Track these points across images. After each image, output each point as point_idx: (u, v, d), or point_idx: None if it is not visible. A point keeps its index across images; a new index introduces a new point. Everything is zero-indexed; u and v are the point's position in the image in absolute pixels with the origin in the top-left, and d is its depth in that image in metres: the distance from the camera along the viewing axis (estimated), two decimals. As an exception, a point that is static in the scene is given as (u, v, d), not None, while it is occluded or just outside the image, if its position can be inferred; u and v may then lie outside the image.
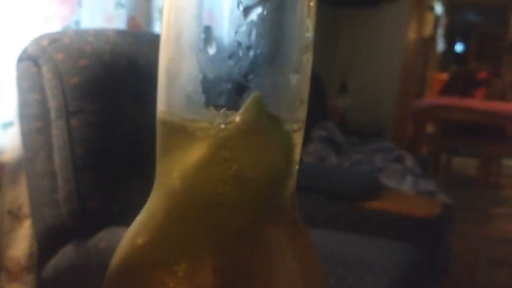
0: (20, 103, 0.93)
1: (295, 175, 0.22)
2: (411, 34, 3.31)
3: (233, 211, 0.21)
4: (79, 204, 0.91)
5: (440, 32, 5.45)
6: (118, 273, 0.22)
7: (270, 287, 0.21)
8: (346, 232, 1.41)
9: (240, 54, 0.20)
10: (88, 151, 0.93)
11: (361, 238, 1.33)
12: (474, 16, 6.98)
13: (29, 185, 0.95)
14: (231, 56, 0.20)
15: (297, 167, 0.22)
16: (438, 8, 4.99)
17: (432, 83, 5.29)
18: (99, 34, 1.00)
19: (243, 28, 0.20)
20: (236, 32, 0.20)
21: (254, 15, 0.20)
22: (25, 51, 0.91)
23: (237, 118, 0.20)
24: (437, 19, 4.99)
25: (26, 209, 1.03)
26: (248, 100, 0.20)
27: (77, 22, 1.11)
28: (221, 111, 0.21)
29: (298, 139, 0.22)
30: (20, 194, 1.02)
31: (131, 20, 1.30)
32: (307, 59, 0.22)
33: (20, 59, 0.92)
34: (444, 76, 5.61)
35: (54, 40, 0.92)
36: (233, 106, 0.20)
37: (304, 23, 0.21)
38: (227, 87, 0.20)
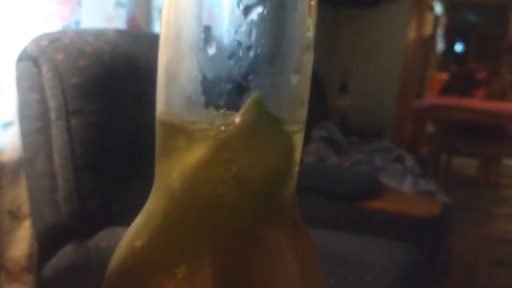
0: (20, 103, 0.93)
1: (295, 176, 0.22)
2: (411, 34, 3.31)
3: (233, 212, 0.21)
4: (79, 204, 0.91)
5: (440, 32, 5.45)
6: (117, 275, 0.22)
7: None
8: (346, 232, 1.41)
9: (240, 54, 0.20)
10: (88, 151, 0.93)
11: (361, 238, 1.33)
12: (474, 16, 6.98)
13: (29, 185, 0.95)
14: (231, 56, 0.20)
15: (297, 168, 0.22)
16: (438, 8, 4.99)
17: (432, 83, 5.29)
18: (99, 34, 1.00)
19: (243, 28, 0.20)
20: (236, 32, 0.20)
21: (255, 14, 0.20)
22: (24, 51, 0.91)
23: (237, 119, 0.20)
24: (437, 19, 4.98)
25: (26, 209, 1.03)
26: (248, 101, 0.20)
27: (77, 22, 1.10)
28: (221, 112, 0.20)
29: (298, 140, 0.22)
30: (20, 194, 1.02)
31: (131, 20, 1.30)
32: (308, 59, 0.21)
33: (20, 59, 0.92)
34: (444, 76, 5.60)
35: (54, 40, 0.92)
36: (233, 107, 0.20)
37: (305, 22, 0.21)
38: (227, 87, 0.20)
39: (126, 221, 0.25)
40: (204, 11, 0.20)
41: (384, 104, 3.31)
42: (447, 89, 5.09)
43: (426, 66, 4.75)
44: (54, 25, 1.06)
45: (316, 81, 2.26)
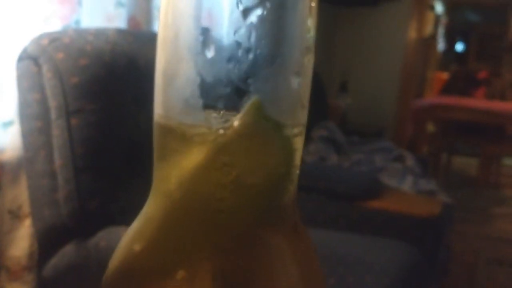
0: (20, 103, 0.93)
1: (295, 179, 0.22)
2: (412, 34, 3.31)
3: (232, 217, 0.20)
4: (79, 204, 0.91)
5: (441, 31, 5.45)
6: (115, 279, 0.22)
7: None
8: (346, 232, 1.41)
9: (240, 57, 0.20)
10: (88, 150, 0.93)
11: (361, 238, 1.33)
12: (475, 16, 6.98)
13: (29, 185, 0.95)
14: (230, 59, 0.20)
15: (298, 171, 0.22)
16: (439, 8, 4.98)
17: (432, 82, 5.28)
18: (99, 33, 1.00)
19: (243, 30, 0.19)
20: (235, 34, 0.19)
21: (254, 16, 0.19)
22: (25, 50, 0.91)
23: (236, 123, 0.20)
24: (437, 18, 4.98)
25: (26, 208, 1.03)
26: (247, 104, 0.20)
27: (77, 22, 1.10)
28: (220, 116, 0.20)
29: (298, 143, 0.21)
30: (20, 194, 1.02)
31: (131, 20, 1.30)
32: (309, 61, 0.21)
33: (20, 59, 0.92)
34: (444, 75, 5.60)
35: (54, 39, 0.92)
36: (232, 110, 0.20)
37: (305, 24, 0.21)
38: (226, 91, 0.20)
39: (126, 221, 0.25)
40: (202, 13, 0.20)
41: (384, 104, 3.31)
42: (447, 89, 5.09)
43: (427, 65, 4.75)
44: (54, 25, 1.06)
45: (316, 81, 2.26)
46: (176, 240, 0.21)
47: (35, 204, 0.94)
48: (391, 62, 3.29)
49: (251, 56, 0.20)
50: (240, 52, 0.20)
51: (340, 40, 3.34)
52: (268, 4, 0.19)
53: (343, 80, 3.18)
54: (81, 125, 0.92)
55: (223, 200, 0.20)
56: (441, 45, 5.65)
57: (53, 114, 0.90)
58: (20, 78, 0.92)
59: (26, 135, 0.93)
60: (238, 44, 0.20)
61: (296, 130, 0.21)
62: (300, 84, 0.21)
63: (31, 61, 0.90)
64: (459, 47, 7.15)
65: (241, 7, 0.19)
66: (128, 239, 0.22)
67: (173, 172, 0.21)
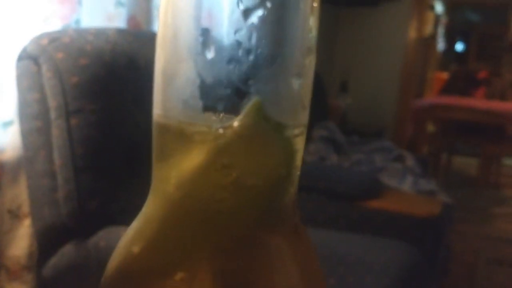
0: (20, 102, 0.93)
1: (296, 180, 0.22)
2: (412, 34, 3.30)
3: (232, 218, 0.20)
4: (79, 204, 0.91)
5: (441, 31, 5.45)
6: (114, 281, 0.22)
7: None
8: (346, 232, 1.41)
9: (240, 58, 0.19)
10: (88, 150, 0.93)
11: (361, 238, 1.33)
12: (475, 16, 6.98)
13: (29, 185, 0.95)
14: (231, 60, 0.19)
15: (298, 173, 0.22)
16: (439, 7, 4.98)
17: (432, 82, 5.28)
18: (99, 33, 1.00)
19: (243, 31, 0.19)
20: (235, 35, 0.19)
21: (255, 17, 0.19)
22: (24, 50, 0.91)
23: (237, 124, 0.20)
24: (437, 18, 4.98)
25: (26, 208, 1.03)
26: (248, 106, 0.20)
27: (77, 21, 1.10)
28: (220, 117, 0.20)
29: (299, 144, 0.21)
30: (20, 193, 1.02)
31: (131, 19, 1.29)
32: (310, 62, 0.21)
33: (20, 58, 0.92)
34: (444, 75, 5.60)
35: (54, 39, 0.92)
36: (233, 112, 0.20)
37: (307, 24, 0.20)
38: (226, 92, 0.19)
39: (126, 221, 0.25)
40: (202, 13, 0.19)
41: (384, 104, 3.31)
42: (447, 89, 5.09)
43: (427, 65, 4.75)
44: (54, 24, 1.06)
45: (317, 81, 2.26)
46: (176, 240, 0.21)
47: (34, 204, 0.94)
48: (391, 62, 3.29)
49: (251, 57, 0.19)
50: (240, 53, 0.19)
51: (340, 40, 3.34)
52: (269, 4, 0.19)
53: (343, 80, 3.18)
54: (81, 125, 0.92)
55: (223, 201, 0.20)
56: (441, 45, 5.66)
57: (53, 114, 0.90)
58: (19, 78, 0.92)
59: (25, 135, 0.93)
60: (238, 44, 0.19)
61: (297, 131, 0.21)
62: (301, 85, 0.21)
63: (31, 61, 0.90)
64: (459, 47, 7.16)
65: (241, 7, 0.19)
66: (127, 240, 0.22)
67: (173, 172, 0.21)
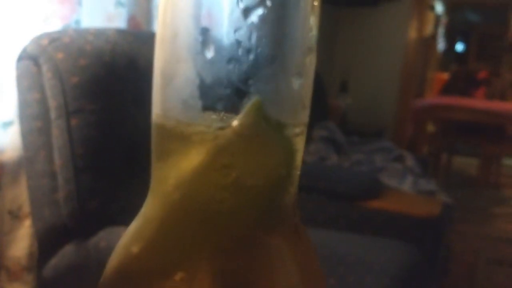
0: (20, 103, 0.93)
1: (296, 180, 0.22)
2: (412, 34, 3.31)
3: (232, 218, 0.20)
4: (79, 204, 0.91)
5: (441, 31, 5.45)
6: (113, 282, 0.22)
7: None
8: (346, 232, 1.41)
9: (240, 58, 0.19)
10: (88, 151, 0.93)
11: (361, 238, 1.33)
12: (475, 16, 6.98)
13: (29, 185, 0.95)
14: (230, 59, 0.19)
15: (298, 172, 0.21)
16: (439, 8, 4.98)
17: (432, 82, 5.28)
18: (99, 33, 1.00)
19: (243, 30, 0.19)
20: (235, 34, 0.19)
21: (255, 16, 0.19)
22: (25, 50, 0.91)
23: (236, 123, 0.19)
24: (437, 18, 4.98)
25: (26, 208, 1.03)
26: (248, 105, 0.19)
27: (77, 22, 1.10)
28: (220, 117, 0.20)
29: (299, 143, 0.21)
30: (20, 194, 1.02)
31: (131, 19, 1.29)
32: (310, 61, 0.21)
33: (20, 59, 0.91)
34: (445, 75, 5.60)
35: (54, 39, 0.92)
36: (232, 112, 0.19)
37: (307, 23, 0.20)
38: (226, 92, 0.19)
39: (126, 221, 0.25)
40: (202, 12, 0.19)
41: (384, 104, 3.31)
42: (447, 89, 5.09)
43: (427, 66, 4.75)
44: (54, 25, 1.06)
45: (317, 81, 2.26)
46: (175, 241, 0.20)
47: (35, 204, 0.94)
48: (391, 62, 3.29)
49: (251, 56, 0.19)
50: (240, 52, 0.19)
51: (340, 40, 3.34)
52: (269, 3, 0.19)
53: (343, 80, 3.18)
54: (81, 125, 0.91)
55: (223, 201, 0.20)
56: (441, 45, 5.66)
57: (53, 114, 0.90)
58: (20, 78, 0.92)
59: (26, 135, 0.92)
60: (238, 44, 0.19)
61: (297, 130, 0.21)
62: (301, 84, 0.20)
63: (31, 61, 0.90)
64: (459, 47, 7.16)
65: (241, 6, 0.19)
66: (126, 240, 0.22)
67: (172, 172, 0.20)
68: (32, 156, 0.92)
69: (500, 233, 2.80)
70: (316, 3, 0.20)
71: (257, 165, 0.20)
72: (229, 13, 0.19)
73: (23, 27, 1.00)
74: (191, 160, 0.20)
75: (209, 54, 0.19)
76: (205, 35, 0.19)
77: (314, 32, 0.21)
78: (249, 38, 0.19)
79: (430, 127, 4.05)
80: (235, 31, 0.19)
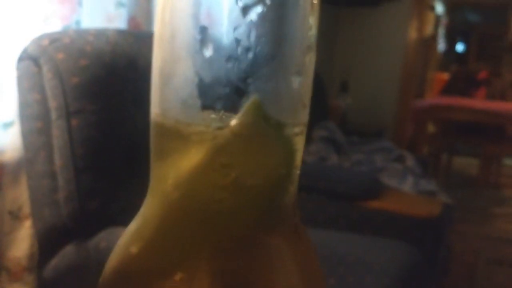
0: (20, 103, 0.93)
1: (296, 180, 0.21)
2: (412, 34, 3.30)
3: (232, 218, 0.20)
4: (80, 205, 0.91)
5: (441, 32, 5.45)
6: (112, 282, 0.22)
7: None
8: (346, 232, 1.41)
9: (239, 56, 0.19)
10: (88, 151, 0.93)
11: (361, 238, 1.33)
12: (475, 16, 6.98)
13: (29, 185, 0.95)
14: (229, 58, 0.19)
15: (298, 172, 0.21)
16: (439, 8, 4.99)
17: (432, 83, 5.28)
18: (99, 34, 1.00)
19: (242, 28, 0.19)
20: (234, 33, 0.19)
21: (254, 14, 0.19)
22: (25, 51, 0.91)
23: (235, 122, 0.19)
24: (438, 18, 4.98)
25: (26, 209, 1.02)
26: (247, 104, 0.19)
27: (78, 22, 1.10)
28: (219, 116, 0.19)
29: (299, 143, 0.21)
30: (20, 194, 1.02)
31: (131, 20, 1.29)
32: (310, 60, 0.21)
33: (21, 59, 0.92)
34: (445, 76, 5.60)
35: (55, 40, 0.92)
36: (231, 111, 0.19)
37: (307, 21, 0.20)
38: (225, 91, 0.19)
39: (126, 221, 0.25)
40: (201, 11, 0.19)
41: (384, 104, 3.31)
42: (447, 89, 5.09)
43: (427, 66, 4.75)
44: (54, 25, 1.06)
45: (317, 81, 2.26)
46: (174, 241, 0.20)
47: (35, 204, 0.94)
48: (391, 62, 3.29)
49: (250, 55, 0.19)
50: (239, 51, 0.19)
51: (340, 40, 3.34)
52: (268, 1, 0.19)
53: (343, 80, 3.18)
54: (81, 126, 0.92)
55: (222, 201, 0.20)
56: (441, 45, 5.66)
57: (53, 115, 0.90)
58: (20, 79, 0.92)
59: (26, 135, 0.93)
60: (237, 42, 0.19)
61: (297, 130, 0.21)
62: (301, 83, 0.20)
63: (32, 62, 0.90)
64: (459, 47, 7.16)
65: (240, 4, 0.19)
66: (125, 240, 0.22)
67: (171, 172, 0.20)
68: (33, 156, 0.92)
69: (500, 233, 2.80)
70: (315, 1, 0.20)
71: (257, 164, 0.20)
72: (228, 11, 0.19)
73: (23, 27, 1.00)
74: (190, 160, 0.20)
75: (208, 53, 0.19)
76: (203, 34, 0.19)
77: (313, 30, 0.20)
78: (248, 37, 0.19)
79: (430, 127, 4.05)
80: (234, 29, 0.19)
